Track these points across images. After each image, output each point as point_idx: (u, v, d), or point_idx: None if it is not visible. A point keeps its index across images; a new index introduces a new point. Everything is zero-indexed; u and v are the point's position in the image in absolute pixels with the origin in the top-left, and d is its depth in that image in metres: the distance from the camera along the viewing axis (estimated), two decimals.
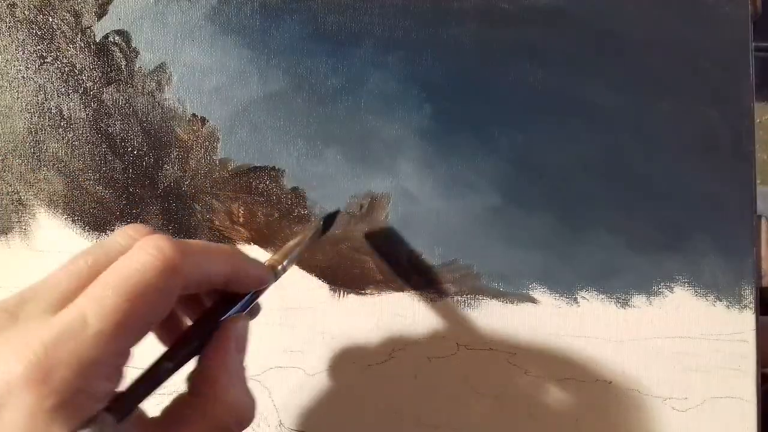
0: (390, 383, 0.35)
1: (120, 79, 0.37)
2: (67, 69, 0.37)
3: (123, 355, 0.21)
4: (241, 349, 0.25)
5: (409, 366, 0.35)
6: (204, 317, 0.25)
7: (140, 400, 0.22)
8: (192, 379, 0.23)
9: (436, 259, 0.36)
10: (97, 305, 0.20)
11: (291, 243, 0.31)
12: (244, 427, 0.23)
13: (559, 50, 0.36)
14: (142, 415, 0.23)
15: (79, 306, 0.20)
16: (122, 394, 0.22)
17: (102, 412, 0.20)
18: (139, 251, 0.21)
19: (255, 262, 0.26)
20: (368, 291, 0.36)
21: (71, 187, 0.37)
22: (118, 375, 0.21)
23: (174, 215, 0.37)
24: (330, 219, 0.34)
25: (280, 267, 0.28)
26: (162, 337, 0.25)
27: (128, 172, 0.37)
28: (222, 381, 0.23)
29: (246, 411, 0.23)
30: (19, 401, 0.18)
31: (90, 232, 0.37)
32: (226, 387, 0.23)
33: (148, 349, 0.23)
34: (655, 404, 0.35)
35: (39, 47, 0.37)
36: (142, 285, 0.20)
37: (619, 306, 0.35)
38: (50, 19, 0.37)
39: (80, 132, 0.37)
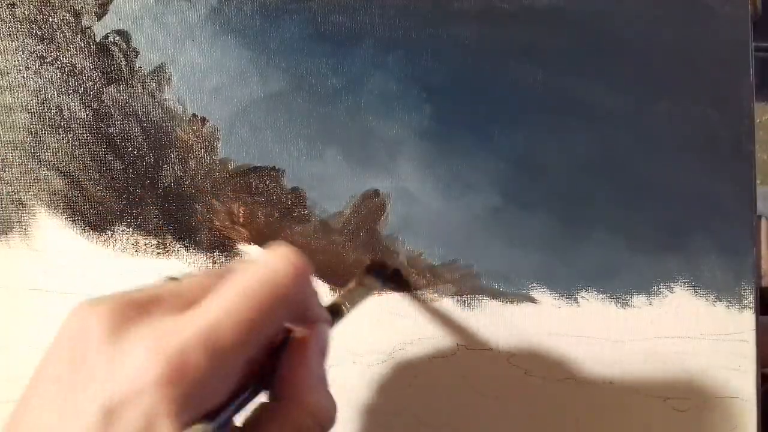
0: (390, 383, 0.35)
1: (120, 79, 0.37)
2: (67, 69, 0.37)
3: (244, 363, 0.20)
4: (323, 352, 0.24)
5: (409, 366, 0.35)
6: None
7: (233, 414, 0.22)
8: (273, 384, 0.23)
9: (436, 259, 0.36)
10: (231, 309, 0.19)
11: (357, 290, 0.32)
12: (326, 431, 0.23)
13: (559, 50, 0.36)
14: (230, 424, 0.22)
15: (212, 309, 0.19)
16: (223, 405, 0.21)
17: (201, 416, 0.19)
18: (272, 256, 0.21)
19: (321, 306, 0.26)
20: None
21: (71, 187, 0.37)
22: (231, 385, 0.20)
23: (174, 215, 0.37)
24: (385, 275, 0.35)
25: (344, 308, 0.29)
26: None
27: (128, 172, 0.37)
28: (304, 383, 0.22)
29: (328, 414, 0.23)
30: (146, 401, 0.18)
31: (90, 232, 0.37)
32: (308, 389, 0.22)
33: None
34: (655, 404, 0.35)
35: (39, 47, 0.37)
36: (274, 290, 0.20)
37: (619, 306, 0.35)
38: (50, 19, 0.37)
39: (80, 132, 0.37)
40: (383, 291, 0.35)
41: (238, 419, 0.22)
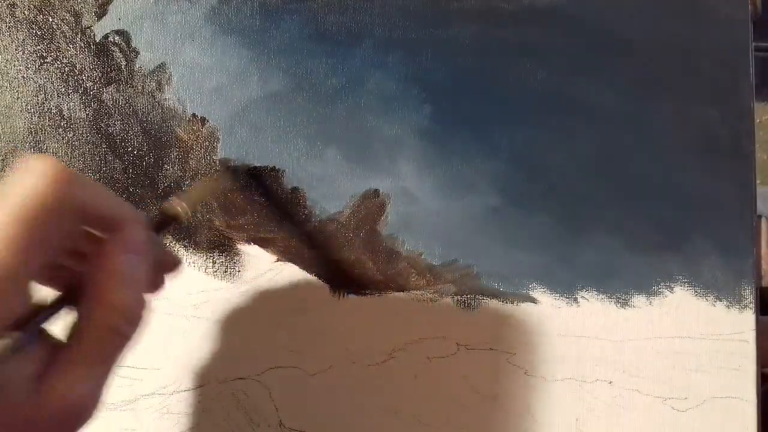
0: (390, 383, 0.35)
1: (120, 79, 0.37)
2: (67, 69, 0.37)
3: (27, 277, 0.21)
4: (134, 250, 0.24)
5: (409, 366, 0.35)
6: None
7: (42, 322, 0.23)
8: (84, 289, 0.23)
9: (436, 259, 0.36)
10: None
11: (196, 192, 0.32)
12: (137, 326, 0.23)
13: (559, 50, 0.36)
14: (45, 333, 0.23)
15: None
16: (27, 315, 0.22)
17: (6, 330, 0.21)
18: (27, 174, 0.22)
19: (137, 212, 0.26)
20: (368, 291, 0.36)
21: None
22: (24, 297, 0.21)
23: None
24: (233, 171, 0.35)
25: (181, 210, 0.28)
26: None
27: (128, 172, 0.37)
28: (106, 283, 0.23)
29: (136, 309, 0.23)
30: None
31: None
32: (110, 289, 0.23)
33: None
34: (655, 404, 0.35)
35: (39, 47, 0.37)
36: (33, 202, 0.21)
37: (619, 306, 0.35)
38: (50, 19, 0.37)
39: (80, 132, 0.37)
40: (234, 191, 0.35)
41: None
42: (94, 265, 0.23)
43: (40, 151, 0.37)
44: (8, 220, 0.21)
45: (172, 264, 0.28)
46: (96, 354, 0.22)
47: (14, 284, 0.21)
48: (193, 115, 0.37)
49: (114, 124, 0.37)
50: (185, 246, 0.36)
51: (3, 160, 0.37)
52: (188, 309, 0.36)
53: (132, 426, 0.36)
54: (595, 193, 0.36)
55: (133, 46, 0.37)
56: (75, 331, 0.23)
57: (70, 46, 0.37)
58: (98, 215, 0.23)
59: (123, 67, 0.37)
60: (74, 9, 0.37)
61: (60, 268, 0.24)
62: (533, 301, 0.36)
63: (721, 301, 0.35)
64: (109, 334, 0.23)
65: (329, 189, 0.36)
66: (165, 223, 0.29)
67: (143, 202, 0.37)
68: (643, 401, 0.35)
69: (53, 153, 0.37)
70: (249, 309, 0.36)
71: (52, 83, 0.37)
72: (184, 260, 0.36)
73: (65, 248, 0.23)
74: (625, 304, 0.35)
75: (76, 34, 0.37)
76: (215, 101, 0.37)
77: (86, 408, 0.22)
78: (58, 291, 0.24)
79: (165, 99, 0.37)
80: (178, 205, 0.28)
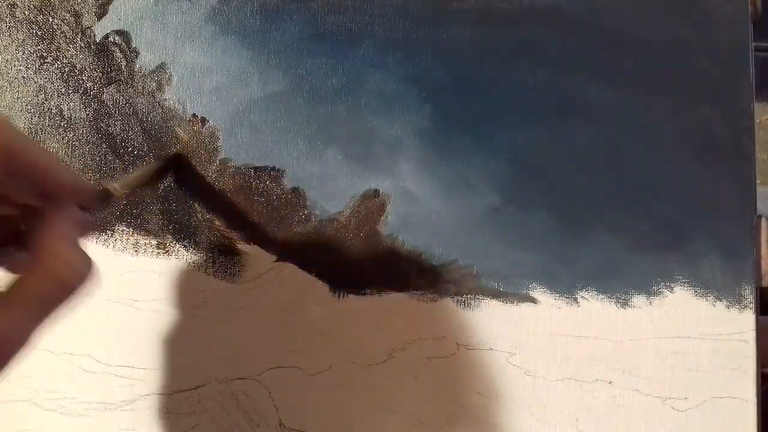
0: (390, 383, 0.35)
1: (120, 80, 0.37)
2: (67, 69, 0.37)
3: None
4: (73, 224, 0.25)
5: (409, 366, 0.35)
6: None
7: None
8: (30, 244, 0.24)
9: (436, 259, 0.36)
10: None
11: (134, 175, 0.34)
12: (83, 281, 0.24)
13: (559, 50, 0.36)
14: None
15: None
16: None
17: None
18: None
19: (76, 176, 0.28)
20: (368, 291, 0.36)
21: None
22: None
23: (174, 215, 0.37)
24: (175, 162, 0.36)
25: (111, 188, 0.30)
26: None
27: (128, 172, 0.37)
28: (56, 239, 0.24)
29: (83, 265, 0.24)
30: None
31: (90, 232, 0.37)
32: (60, 244, 0.24)
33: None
34: (655, 404, 0.35)
35: (39, 47, 0.37)
36: None
37: (619, 306, 0.35)
38: (50, 20, 0.37)
39: (80, 132, 0.37)
40: (163, 176, 0.36)
41: None
42: (38, 222, 0.24)
43: None
44: None
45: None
46: (31, 298, 0.23)
47: None
48: (193, 115, 0.37)
49: (114, 124, 0.37)
50: (185, 246, 0.36)
51: None
52: (188, 309, 0.36)
53: (132, 426, 0.36)
54: (595, 192, 0.36)
55: (133, 46, 0.37)
56: (14, 281, 0.23)
57: (71, 46, 0.37)
58: (32, 168, 0.24)
59: (123, 67, 0.37)
60: (74, 9, 0.37)
61: None
62: (533, 301, 0.36)
63: (721, 301, 0.35)
64: (51, 281, 0.23)
65: (329, 189, 0.36)
66: (102, 198, 0.30)
67: (143, 202, 0.37)
68: (643, 401, 0.35)
69: (53, 153, 0.37)
70: (249, 309, 0.36)
71: (53, 83, 0.37)
72: (185, 261, 0.36)
73: None
74: (625, 304, 0.35)
75: (77, 34, 0.37)
76: (215, 101, 0.37)
77: (7, 346, 0.22)
78: None
79: (165, 99, 0.37)
80: (117, 183, 0.31)
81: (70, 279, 0.24)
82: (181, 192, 0.37)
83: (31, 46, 0.37)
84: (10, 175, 0.24)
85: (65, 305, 0.23)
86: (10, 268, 0.25)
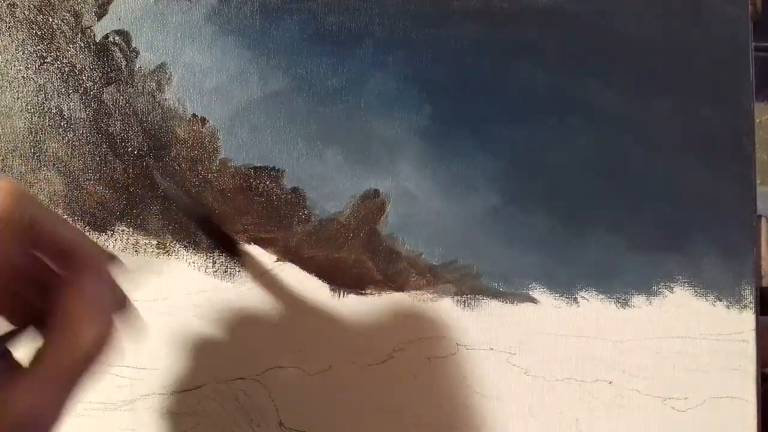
0: (390, 383, 0.35)
1: (120, 80, 0.37)
2: (67, 69, 0.37)
3: None
4: (97, 291, 0.24)
5: (409, 366, 0.35)
6: None
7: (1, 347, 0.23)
8: (47, 321, 0.23)
9: (436, 259, 0.36)
10: None
11: None
12: (109, 350, 0.23)
13: (559, 50, 0.36)
14: (8, 354, 0.23)
15: None
16: None
17: None
18: None
19: (95, 244, 0.26)
20: (368, 291, 0.36)
21: (71, 187, 0.37)
22: None
23: (174, 215, 0.37)
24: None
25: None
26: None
27: (128, 172, 0.37)
28: (79, 307, 0.23)
29: (105, 333, 0.23)
30: None
31: (90, 232, 0.37)
32: (83, 313, 0.23)
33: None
34: (655, 404, 0.35)
35: (39, 47, 0.37)
36: None
37: (619, 306, 0.35)
38: (50, 19, 0.37)
39: (80, 132, 0.37)
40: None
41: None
42: (59, 293, 0.23)
43: (40, 151, 0.37)
44: None
45: (121, 302, 0.28)
46: (57, 374, 0.22)
47: None
48: (193, 115, 0.37)
49: (114, 124, 0.37)
50: (185, 246, 0.36)
51: (3, 160, 0.37)
52: (188, 309, 0.36)
53: (132, 426, 0.36)
54: (595, 193, 0.36)
55: (133, 46, 0.37)
56: (38, 354, 0.23)
57: (71, 46, 0.37)
58: (53, 239, 0.23)
59: (123, 67, 0.37)
60: (74, 9, 0.37)
61: (15, 297, 0.24)
62: (533, 301, 0.36)
63: (721, 301, 0.35)
64: (77, 354, 0.23)
65: (329, 189, 0.36)
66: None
67: (143, 202, 0.37)
68: (643, 401, 0.35)
69: (53, 153, 0.37)
70: (249, 309, 0.36)
71: (53, 83, 0.37)
72: (185, 261, 0.36)
73: (18, 272, 0.23)
74: (625, 304, 0.35)
75: (77, 34, 0.37)
76: (215, 101, 0.37)
77: (39, 426, 0.22)
78: (13, 322, 0.24)
79: (165, 99, 0.37)
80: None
81: (95, 349, 0.23)
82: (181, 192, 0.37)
83: (31, 46, 0.37)
84: (32, 247, 0.23)
85: (92, 375, 0.23)
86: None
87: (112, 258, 0.27)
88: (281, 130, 0.37)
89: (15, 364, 0.23)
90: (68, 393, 0.22)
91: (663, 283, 0.35)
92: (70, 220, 0.37)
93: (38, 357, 0.22)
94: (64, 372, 0.22)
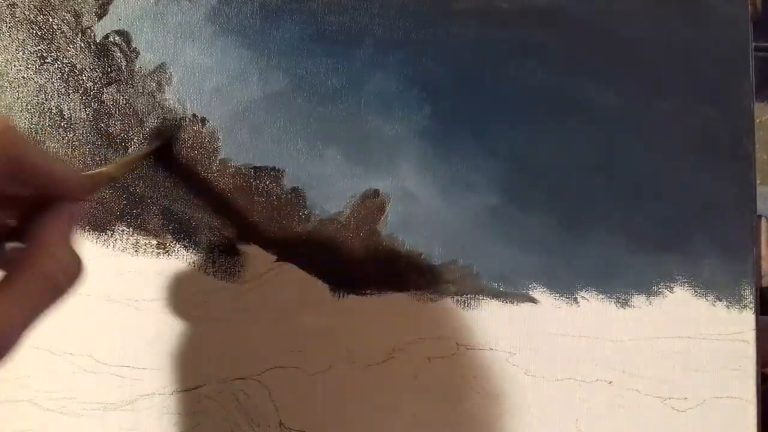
0: (390, 383, 0.35)
1: (120, 80, 0.37)
2: (67, 69, 0.37)
3: None
4: (70, 222, 0.26)
5: (409, 366, 0.35)
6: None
7: None
8: (28, 237, 0.25)
9: (436, 259, 0.36)
10: None
11: (125, 159, 0.34)
12: (73, 283, 0.24)
13: (559, 50, 0.36)
14: None
15: None
16: None
17: None
18: None
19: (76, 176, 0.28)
20: (368, 291, 0.36)
21: None
22: None
23: (174, 215, 0.37)
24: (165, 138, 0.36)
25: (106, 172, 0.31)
26: None
27: (128, 172, 0.37)
28: (53, 239, 0.24)
29: (74, 267, 0.25)
30: None
31: (90, 232, 0.37)
32: (56, 245, 0.24)
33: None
34: (655, 404, 0.35)
35: (39, 47, 0.37)
36: None
37: (619, 306, 0.35)
38: (50, 20, 0.37)
39: (80, 132, 0.37)
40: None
41: None
42: (36, 220, 0.25)
43: None
44: None
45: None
46: (24, 297, 0.23)
47: None
48: (193, 115, 0.37)
49: (114, 124, 0.37)
50: (185, 246, 0.36)
51: None
52: (188, 309, 0.36)
53: (132, 426, 0.36)
54: (595, 193, 0.36)
55: (133, 46, 0.37)
56: (8, 276, 0.23)
57: (71, 46, 0.37)
58: (34, 171, 0.24)
59: (123, 67, 0.37)
60: (74, 9, 0.37)
61: None
62: (533, 301, 0.36)
63: (721, 301, 0.35)
64: (43, 282, 0.23)
65: (329, 189, 0.36)
66: (98, 184, 0.31)
67: (143, 202, 0.37)
68: (643, 401, 0.35)
69: (53, 153, 0.37)
70: (249, 309, 0.36)
71: (53, 83, 0.37)
72: (185, 261, 0.36)
73: None
74: (625, 304, 0.35)
75: (77, 34, 0.37)
76: (215, 101, 0.37)
77: None
78: None
79: (165, 99, 0.37)
80: (113, 166, 0.32)
81: (63, 281, 0.24)
82: (180, 189, 0.37)
83: (32, 46, 0.37)
84: (12, 176, 0.24)
85: (54, 305, 0.24)
86: (1, 265, 0.25)
87: (89, 188, 0.28)
88: (281, 130, 0.37)
89: None
90: (29, 320, 0.23)
91: (663, 283, 0.35)
92: None
93: (7, 278, 0.23)
94: (29, 298, 0.23)
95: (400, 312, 0.36)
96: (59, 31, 0.37)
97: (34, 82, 0.37)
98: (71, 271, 0.24)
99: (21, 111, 0.37)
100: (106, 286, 0.36)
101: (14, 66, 0.37)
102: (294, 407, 0.36)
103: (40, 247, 0.24)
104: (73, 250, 0.25)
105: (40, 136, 0.37)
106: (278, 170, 0.37)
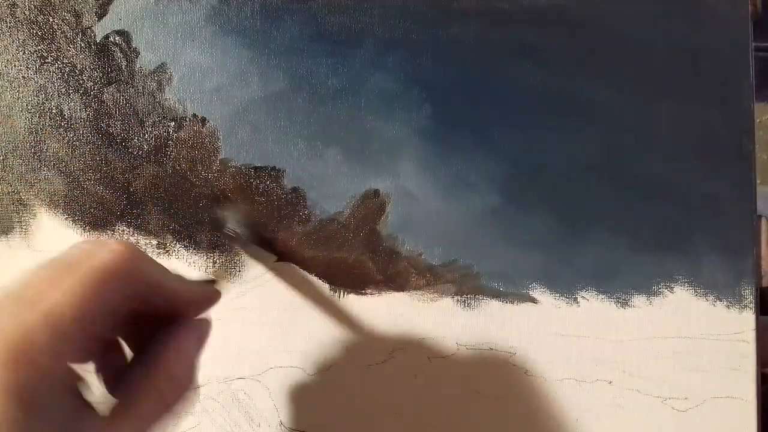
0: (390, 383, 0.35)
1: (120, 80, 0.37)
2: (67, 69, 0.37)
3: (92, 339, 0.23)
4: (201, 344, 0.27)
5: (409, 366, 0.35)
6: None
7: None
8: (146, 357, 0.25)
9: (436, 259, 0.36)
10: (70, 296, 0.22)
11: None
12: (180, 399, 0.25)
13: (559, 50, 0.36)
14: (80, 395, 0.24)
15: (54, 297, 0.22)
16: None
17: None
18: (102, 249, 0.24)
19: (201, 284, 0.28)
20: (368, 291, 0.36)
21: (72, 187, 0.37)
22: (87, 357, 0.23)
23: (174, 215, 0.37)
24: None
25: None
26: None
27: (128, 172, 0.37)
28: (174, 361, 0.25)
29: (186, 382, 0.25)
30: None
31: (90, 232, 0.37)
32: (177, 368, 0.25)
33: None
34: (655, 404, 0.35)
35: (39, 47, 0.37)
36: (104, 276, 0.23)
37: (619, 306, 0.35)
38: (51, 20, 0.37)
39: (80, 132, 0.37)
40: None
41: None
42: (163, 341, 0.25)
43: (41, 151, 0.37)
44: (79, 285, 0.22)
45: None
46: (141, 421, 0.24)
47: (82, 350, 0.22)
48: (194, 115, 0.37)
49: (114, 124, 0.37)
50: (185, 246, 0.36)
51: (3, 160, 0.37)
52: None
53: None
54: (595, 192, 0.36)
55: (133, 46, 0.37)
56: (126, 396, 0.24)
57: (71, 46, 0.37)
58: (156, 291, 0.25)
59: (123, 67, 0.37)
60: (75, 9, 0.37)
61: (108, 344, 0.25)
62: (533, 301, 0.36)
63: (721, 301, 0.35)
64: (160, 405, 0.24)
65: (329, 189, 0.36)
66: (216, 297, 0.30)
67: (143, 202, 0.37)
68: (643, 401, 0.35)
69: (53, 153, 0.37)
70: (249, 309, 0.36)
71: (53, 83, 0.37)
72: (185, 261, 0.36)
73: (117, 322, 0.24)
74: (625, 304, 0.35)
75: (77, 34, 0.37)
76: (215, 101, 0.37)
77: None
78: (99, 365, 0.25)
79: (165, 99, 0.37)
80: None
81: (171, 399, 0.24)
82: (181, 192, 0.37)
83: (32, 46, 0.37)
84: (139, 298, 0.24)
85: (157, 424, 0.24)
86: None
87: (213, 297, 0.29)
88: (281, 130, 0.37)
89: (86, 403, 0.24)
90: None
91: (663, 283, 0.35)
92: (70, 220, 0.37)
93: (131, 400, 0.23)
94: (147, 418, 0.24)
95: (400, 312, 0.36)
96: (59, 31, 0.37)
97: (35, 82, 0.37)
98: (181, 388, 0.25)
99: (21, 111, 0.37)
100: None
101: (14, 66, 0.37)
102: (294, 407, 0.36)
103: (166, 371, 0.24)
104: (194, 373, 0.25)
105: (40, 136, 0.37)
106: (278, 170, 0.37)
